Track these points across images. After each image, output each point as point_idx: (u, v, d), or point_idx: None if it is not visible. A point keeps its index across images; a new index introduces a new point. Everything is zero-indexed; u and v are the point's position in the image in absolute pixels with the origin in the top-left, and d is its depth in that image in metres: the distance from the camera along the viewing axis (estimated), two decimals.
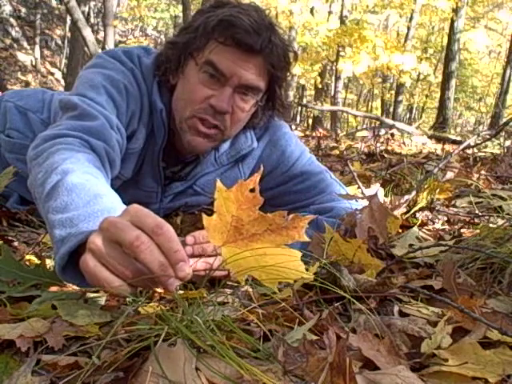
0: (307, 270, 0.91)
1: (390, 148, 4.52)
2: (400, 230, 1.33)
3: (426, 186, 1.69)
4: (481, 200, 1.80)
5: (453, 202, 1.81)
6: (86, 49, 8.46)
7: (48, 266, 0.99)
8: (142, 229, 0.67)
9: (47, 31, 19.26)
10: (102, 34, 14.21)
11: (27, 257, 1.10)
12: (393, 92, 18.14)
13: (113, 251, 0.68)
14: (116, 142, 1.08)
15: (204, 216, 0.67)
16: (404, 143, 5.42)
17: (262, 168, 0.71)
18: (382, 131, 6.32)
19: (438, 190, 1.71)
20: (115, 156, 1.09)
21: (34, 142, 1.01)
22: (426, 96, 21.55)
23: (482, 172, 2.42)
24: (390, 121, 7.62)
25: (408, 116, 22.90)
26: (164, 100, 1.23)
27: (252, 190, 0.66)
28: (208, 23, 1.13)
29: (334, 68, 12.81)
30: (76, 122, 1.04)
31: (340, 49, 11.84)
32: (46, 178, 0.87)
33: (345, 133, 8.29)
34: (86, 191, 0.83)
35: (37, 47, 17.31)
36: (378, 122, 7.72)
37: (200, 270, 0.90)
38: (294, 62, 1.29)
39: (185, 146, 1.24)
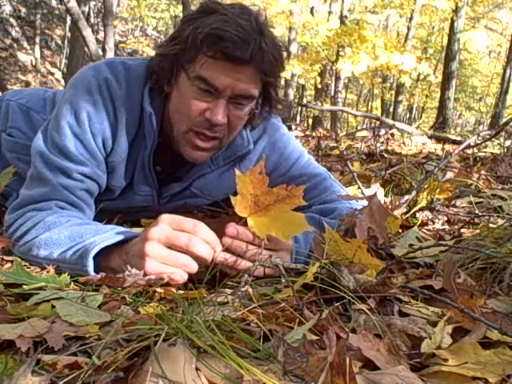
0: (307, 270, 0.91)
1: (390, 148, 4.52)
2: (400, 230, 1.33)
3: (426, 186, 1.69)
4: (481, 200, 1.80)
5: (453, 202, 1.81)
6: (86, 49, 8.46)
7: (51, 272, 0.99)
8: (184, 230, 0.93)
9: (47, 31, 19.24)
10: (102, 34, 14.22)
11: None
12: (393, 92, 18.12)
13: (170, 252, 0.92)
14: (77, 188, 1.20)
15: (231, 196, 0.94)
16: (404, 143, 5.42)
17: (264, 157, 1.00)
18: (382, 131, 6.32)
19: (438, 190, 1.71)
20: (83, 195, 1.22)
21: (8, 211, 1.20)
22: (426, 96, 21.53)
23: (482, 172, 2.43)
24: (390, 121, 7.61)
25: (408, 116, 22.89)
26: (155, 105, 1.23)
27: (260, 173, 0.94)
28: (196, 36, 1.11)
29: (333, 68, 12.80)
30: (40, 190, 1.18)
31: (340, 49, 11.83)
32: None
33: (345, 133, 8.28)
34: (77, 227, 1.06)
35: (37, 47, 17.29)
36: (378, 122, 7.71)
37: (229, 264, 0.94)
38: (287, 60, 1.29)
39: (185, 158, 1.25)
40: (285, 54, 1.26)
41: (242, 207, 0.95)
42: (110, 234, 1.02)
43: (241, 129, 1.30)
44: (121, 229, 1.06)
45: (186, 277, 0.93)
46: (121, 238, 0.99)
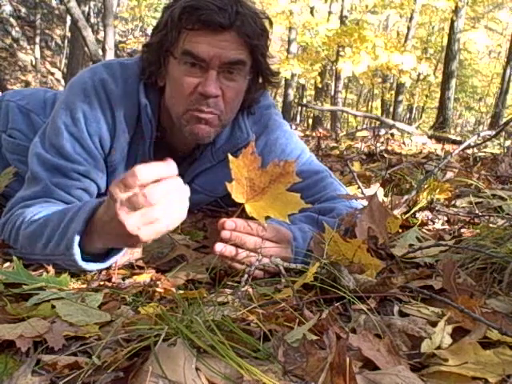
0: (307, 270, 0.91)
1: (390, 148, 4.51)
2: (400, 230, 1.33)
3: (426, 186, 1.69)
4: (481, 200, 1.80)
5: (453, 202, 1.81)
6: (86, 49, 8.46)
7: (51, 272, 0.99)
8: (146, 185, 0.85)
9: (47, 31, 19.25)
10: (102, 34, 14.20)
11: None
12: (393, 92, 18.11)
13: (151, 213, 0.82)
14: (74, 187, 1.19)
15: (227, 183, 0.91)
16: (404, 143, 5.41)
17: (254, 136, 1.06)
18: (382, 131, 6.31)
19: (438, 190, 1.71)
20: (81, 194, 1.21)
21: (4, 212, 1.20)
22: (426, 96, 21.52)
23: (482, 172, 2.43)
24: (389, 121, 7.59)
25: (408, 116, 22.86)
26: (150, 97, 1.23)
27: (252, 154, 0.93)
28: (173, 15, 1.13)
29: (333, 68, 12.79)
30: (33, 191, 1.18)
31: (340, 49, 11.83)
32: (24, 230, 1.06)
33: (345, 133, 8.27)
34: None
35: (37, 47, 17.30)
36: (378, 122, 7.71)
37: (226, 256, 0.93)
38: (271, 29, 1.27)
39: (187, 137, 1.23)
40: (267, 21, 1.25)
41: (238, 193, 0.93)
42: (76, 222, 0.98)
43: (239, 117, 1.29)
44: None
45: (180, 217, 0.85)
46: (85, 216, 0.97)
